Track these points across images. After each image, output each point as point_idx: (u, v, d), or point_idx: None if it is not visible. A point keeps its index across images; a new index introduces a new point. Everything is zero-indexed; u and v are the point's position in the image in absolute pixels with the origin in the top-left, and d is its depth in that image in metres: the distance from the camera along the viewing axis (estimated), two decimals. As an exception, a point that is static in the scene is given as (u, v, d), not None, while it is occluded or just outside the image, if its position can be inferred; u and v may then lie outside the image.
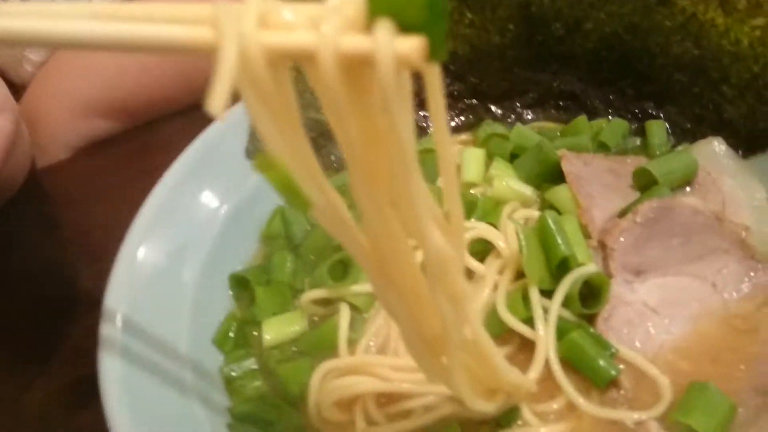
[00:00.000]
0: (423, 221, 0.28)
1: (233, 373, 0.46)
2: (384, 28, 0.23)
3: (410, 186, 0.27)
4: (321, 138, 0.58)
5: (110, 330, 0.43)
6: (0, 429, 0.54)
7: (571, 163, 0.50)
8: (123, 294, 0.44)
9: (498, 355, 0.36)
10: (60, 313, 0.62)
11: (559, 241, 0.44)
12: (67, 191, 0.80)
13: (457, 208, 0.30)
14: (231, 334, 0.48)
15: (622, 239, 0.46)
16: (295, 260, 0.52)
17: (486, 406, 0.37)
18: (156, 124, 0.80)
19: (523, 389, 0.38)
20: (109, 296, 0.44)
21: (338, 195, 0.29)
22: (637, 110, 0.57)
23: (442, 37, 0.24)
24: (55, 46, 0.34)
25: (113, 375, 0.40)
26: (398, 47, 0.23)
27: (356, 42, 0.24)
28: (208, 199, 0.53)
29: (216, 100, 0.23)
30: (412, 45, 0.23)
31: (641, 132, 0.56)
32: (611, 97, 0.57)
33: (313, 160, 0.28)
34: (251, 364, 0.47)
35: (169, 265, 0.48)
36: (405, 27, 0.24)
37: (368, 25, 0.24)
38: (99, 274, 0.49)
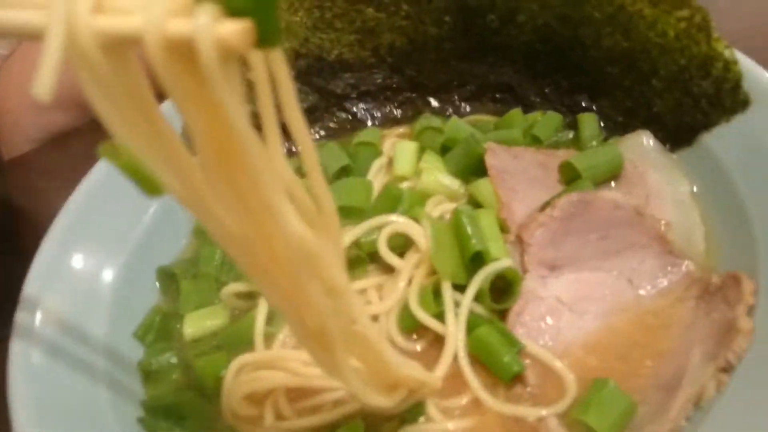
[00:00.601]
0: (274, 206, 0.28)
1: (152, 366, 0.47)
2: (205, 12, 0.23)
3: (252, 170, 0.27)
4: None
5: (25, 319, 0.43)
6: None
7: (495, 157, 0.50)
8: (42, 284, 0.44)
9: (389, 350, 0.36)
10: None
11: (471, 235, 0.44)
12: (27, 182, 0.81)
13: (327, 200, 0.30)
14: (153, 328, 0.48)
15: (538, 234, 0.45)
16: (223, 254, 0.52)
17: (383, 401, 0.37)
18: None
19: (427, 386, 0.38)
20: (27, 286, 0.45)
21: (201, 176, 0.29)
22: (571, 103, 0.56)
23: (273, 21, 0.24)
24: None
25: (21, 363, 0.41)
26: (219, 31, 0.23)
27: (179, 26, 0.24)
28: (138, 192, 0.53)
29: (42, 84, 0.23)
30: (234, 29, 0.23)
31: (575, 125, 0.56)
32: (546, 90, 0.57)
33: (174, 143, 0.28)
34: (170, 357, 0.47)
35: (92, 257, 0.48)
36: (233, 12, 0.23)
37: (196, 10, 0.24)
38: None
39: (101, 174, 0.52)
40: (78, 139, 0.82)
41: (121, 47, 0.25)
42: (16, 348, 0.41)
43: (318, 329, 0.33)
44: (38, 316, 0.44)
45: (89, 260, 0.48)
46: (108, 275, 0.48)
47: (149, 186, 0.28)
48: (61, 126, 0.82)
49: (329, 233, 0.31)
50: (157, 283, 0.51)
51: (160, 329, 0.49)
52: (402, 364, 0.37)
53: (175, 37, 0.24)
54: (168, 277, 0.51)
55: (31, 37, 0.26)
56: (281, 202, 0.28)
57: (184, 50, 0.24)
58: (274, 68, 0.26)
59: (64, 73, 0.77)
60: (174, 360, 0.47)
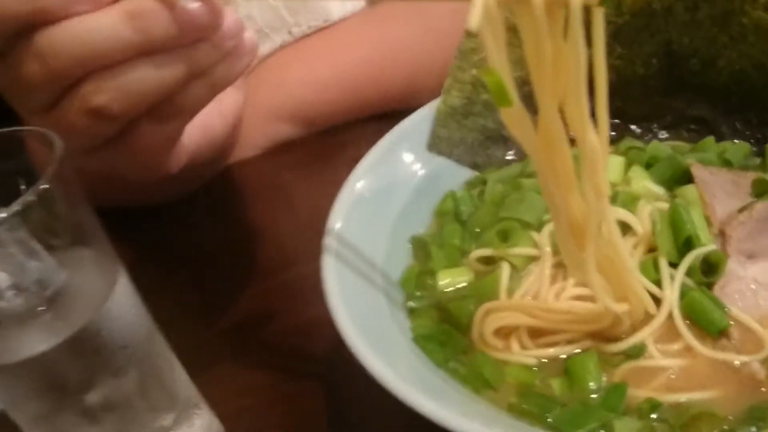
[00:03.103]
0: (585, 121, 0.41)
1: (413, 305, 0.60)
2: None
3: (580, 94, 0.40)
4: (487, 141, 0.72)
5: (329, 240, 0.58)
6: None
7: (699, 170, 0.62)
8: (341, 214, 0.60)
9: (629, 257, 0.48)
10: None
11: (686, 222, 0.55)
12: (248, 185, 0.95)
13: (604, 119, 0.42)
14: (412, 279, 0.62)
15: (738, 229, 0.56)
16: (462, 231, 0.65)
17: (615, 306, 0.48)
18: (334, 130, 0.96)
19: (642, 305, 0.50)
20: (332, 214, 0.60)
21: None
22: (760, 136, 0.67)
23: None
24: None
25: (332, 273, 0.55)
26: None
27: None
28: (401, 179, 0.68)
29: (473, 18, 0.37)
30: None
31: (762, 154, 0.66)
32: (737, 123, 0.68)
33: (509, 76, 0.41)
34: (428, 301, 0.60)
35: (377, 201, 0.64)
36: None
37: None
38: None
39: (373, 157, 0.66)
40: (298, 149, 0.98)
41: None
42: (327, 262, 0.56)
43: (578, 225, 0.45)
44: (336, 237, 0.58)
45: (366, 232, 0.62)
46: (388, 219, 0.63)
47: (503, 100, 0.40)
48: (284, 136, 0.96)
49: (604, 145, 0.43)
50: (411, 249, 0.65)
51: (417, 281, 0.62)
52: (637, 273, 0.48)
53: None
54: (419, 245, 0.65)
55: None
56: (587, 120, 0.41)
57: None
58: (596, 18, 0.39)
59: (290, 91, 0.96)
60: (430, 303, 0.60)
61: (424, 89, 0.74)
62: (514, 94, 0.41)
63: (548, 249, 0.59)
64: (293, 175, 0.96)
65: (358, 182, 0.63)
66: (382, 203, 0.64)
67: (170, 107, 0.52)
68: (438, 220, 0.68)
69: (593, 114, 0.43)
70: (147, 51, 0.48)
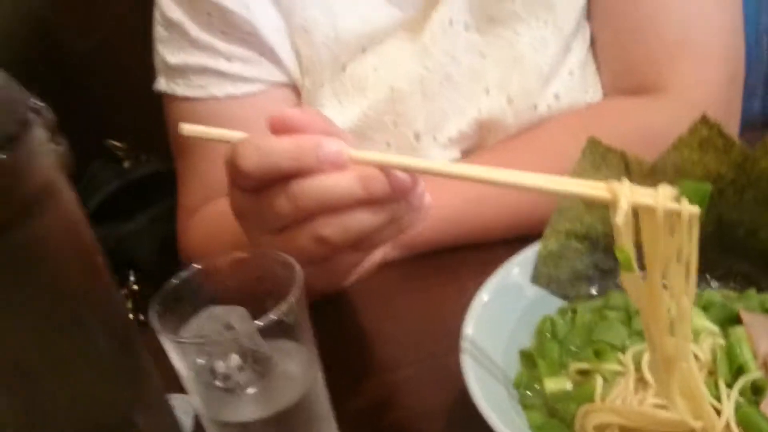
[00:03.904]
0: (681, 287, 0.61)
1: (527, 402, 0.78)
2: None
3: (680, 269, 0.60)
4: (576, 279, 0.92)
5: (465, 342, 0.77)
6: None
7: (746, 315, 0.81)
8: (472, 321, 0.80)
9: (703, 385, 0.66)
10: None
11: (739, 355, 0.74)
12: (358, 301, 1.09)
13: (693, 287, 0.62)
14: (523, 380, 0.81)
15: (778, 362, 0.75)
16: (560, 348, 0.84)
17: (693, 422, 0.67)
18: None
19: (712, 423, 0.68)
20: (465, 321, 0.79)
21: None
22: (798, 291, 0.87)
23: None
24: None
25: (470, 369, 0.74)
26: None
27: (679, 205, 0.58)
28: (514, 299, 0.87)
29: (620, 217, 0.58)
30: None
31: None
32: (774, 279, 0.88)
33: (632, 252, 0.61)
34: (537, 400, 0.79)
35: (498, 315, 0.83)
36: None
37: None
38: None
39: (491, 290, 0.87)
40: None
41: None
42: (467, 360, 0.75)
43: (669, 357, 0.64)
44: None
45: (489, 339, 0.82)
46: (499, 351, 0.82)
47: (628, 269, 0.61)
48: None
49: (691, 302, 0.63)
50: (519, 359, 0.84)
51: (527, 384, 0.81)
52: (709, 397, 0.67)
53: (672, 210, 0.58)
54: (526, 356, 0.84)
55: (595, 202, 0.61)
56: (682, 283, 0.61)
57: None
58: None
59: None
60: (540, 401, 0.79)
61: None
62: (635, 265, 0.62)
63: (632, 366, 0.78)
64: (401, 285, 1.13)
65: (485, 296, 0.83)
66: (501, 317, 0.84)
67: (368, 242, 0.73)
68: (538, 337, 0.87)
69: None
70: (367, 202, 0.70)
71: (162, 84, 1.13)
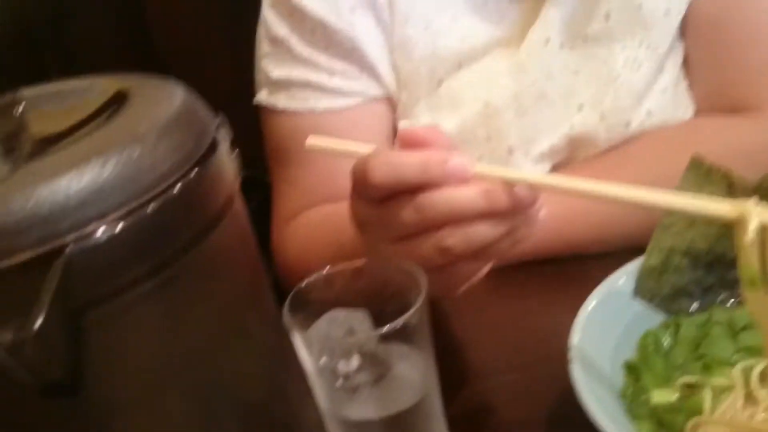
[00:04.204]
0: None
1: (634, 412, 0.80)
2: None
3: None
4: (677, 294, 0.93)
5: (573, 352, 0.79)
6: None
7: None
8: (578, 331, 0.81)
9: None
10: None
11: None
12: (452, 308, 1.10)
13: None
14: (629, 391, 0.82)
15: None
16: (664, 361, 0.86)
17: None
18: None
19: None
20: (573, 331, 0.82)
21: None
22: None
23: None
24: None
25: (581, 377, 0.76)
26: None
27: None
28: (618, 312, 0.89)
29: (750, 234, 0.59)
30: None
31: None
32: None
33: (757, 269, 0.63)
34: (644, 411, 0.80)
35: (602, 326, 0.85)
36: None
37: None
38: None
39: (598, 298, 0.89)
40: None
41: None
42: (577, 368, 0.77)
43: None
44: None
45: (595, 349, 0.84)
46: (606, 362, 0.84)
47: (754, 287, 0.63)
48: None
49: None
50: (623, 371, 0.86)
51: (632, 396, 0.82)
52: None
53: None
54: (631, 368, 0.86)
55: (718, 220, 0.63)
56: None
57: None
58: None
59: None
60: (646, 412, 0.80)
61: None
62: (761, 283, 0.63)
63: (741, 381, 0.79)
64: (494, 293, 1.16)
65: (590, 306, 0.85)
66: (606, 328, 0.85)
67: (486, 252, 0.76)
68: (641, 351, 0.89)
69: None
70: (488, 215, 0.72)
71: (263, 96, 1.18)
